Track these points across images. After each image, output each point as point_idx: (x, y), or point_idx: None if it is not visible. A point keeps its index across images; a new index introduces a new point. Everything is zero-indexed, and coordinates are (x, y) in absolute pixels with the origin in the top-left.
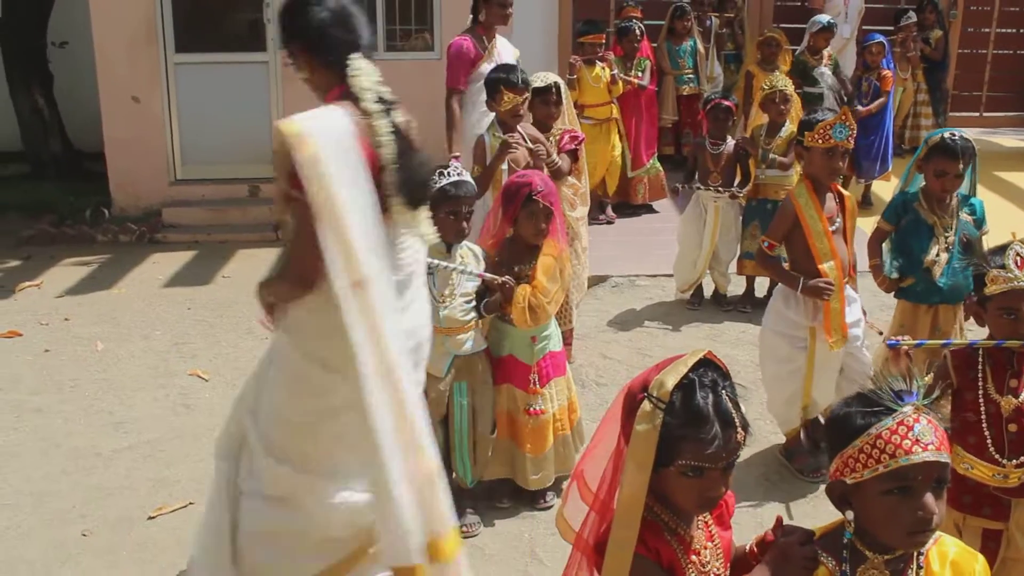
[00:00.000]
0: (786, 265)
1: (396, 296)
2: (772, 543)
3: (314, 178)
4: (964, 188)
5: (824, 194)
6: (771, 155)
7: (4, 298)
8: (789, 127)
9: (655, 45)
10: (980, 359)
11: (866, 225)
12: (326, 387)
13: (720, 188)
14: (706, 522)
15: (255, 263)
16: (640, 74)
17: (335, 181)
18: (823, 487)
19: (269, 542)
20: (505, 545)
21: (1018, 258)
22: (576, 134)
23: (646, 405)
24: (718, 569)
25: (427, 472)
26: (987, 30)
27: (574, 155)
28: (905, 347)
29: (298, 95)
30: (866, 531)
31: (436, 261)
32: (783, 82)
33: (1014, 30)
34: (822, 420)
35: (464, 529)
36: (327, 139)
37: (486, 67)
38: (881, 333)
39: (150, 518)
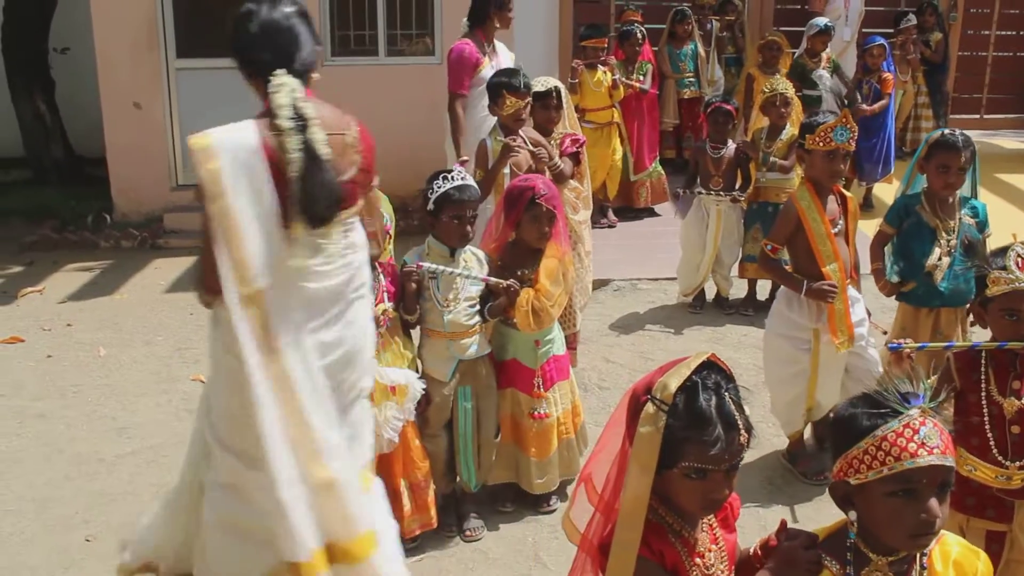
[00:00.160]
0: (788, 268)
1: (309, 307)
2: (776, 547)
3: (213, 192)
4: (966, 190)
5: (826, 197)
6: (772, 158)
7: (6, 304)
8: (790, 130)
9: (656, 49)
10: (983, 361)
11: (868, 228)
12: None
13: (721, 192)
14: (710, 525)
15: None
16: (642, 78)
17: (232, 195)
18: (827, 490)
19: (223, 532)
20: (509, 549)
21: (1019, 259)
22: (577, 137)
23: (649, 407)
24: (722, 572)
25: (323, 480)
26: (987, 32)
27: (576, 158)
28: (907, 350)
29: None
30: (869, 532)
31: (440, 266)
32: (783, 85)
33: (1014, 32)
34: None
35: (468, 533)
36: (232, 154)
37: (487, 71)
38: (885, 333)
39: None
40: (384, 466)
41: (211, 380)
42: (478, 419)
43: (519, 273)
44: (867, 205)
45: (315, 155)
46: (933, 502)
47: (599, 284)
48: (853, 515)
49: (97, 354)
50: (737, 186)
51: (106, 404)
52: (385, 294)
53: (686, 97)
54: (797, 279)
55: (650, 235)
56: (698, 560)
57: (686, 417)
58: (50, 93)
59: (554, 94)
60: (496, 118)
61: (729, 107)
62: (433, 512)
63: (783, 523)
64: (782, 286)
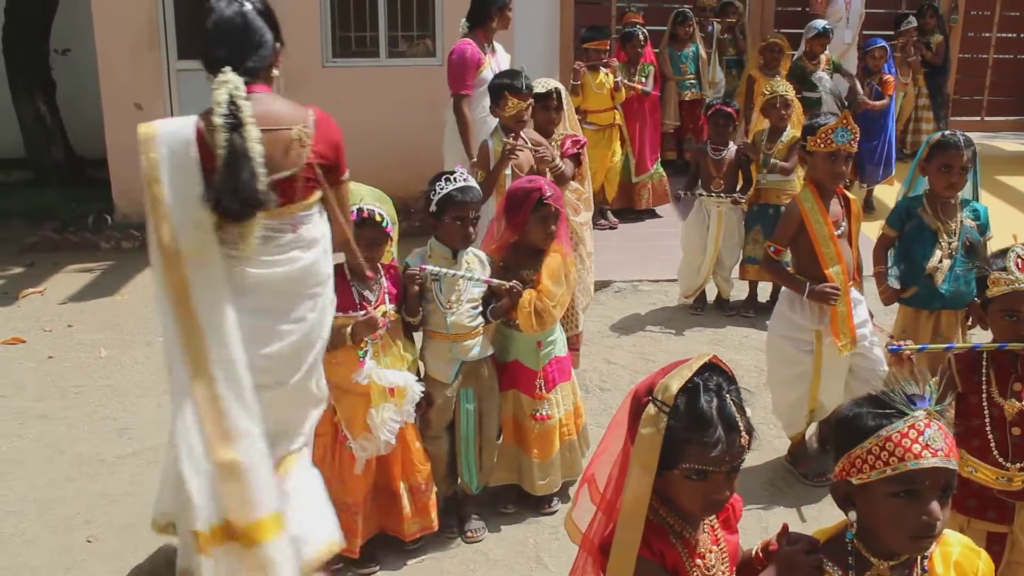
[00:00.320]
0: (791, 269)
1: (253, 295)
2: (776, 551)
3: (149, 178)
4: (967, 193)
5: (829, 198)
6: (772, 160)
7: (7, 305)
8: (790, 132)
9: (657, 51)
10: (984, 363)
11: (869, 230)
12: None
13: (722, 194)
14: (712, 526)
15: None
16: (644, 80)
17: (164, 183)
18: (829, 489)
19: (175, 487)
20: (510, 550)
21: (1019, 260)
22: (578, 138)
23: (650, 408)
24: (723, 573)
25: (227, 461)
26: (988, 35)
27: (577, 159)
28: (907, 352)
29: (301, 102)
30: (869, 533)
31: (443, 269)
32: (784, 87)
33: (1015, 35)
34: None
35: (469, 535)
36: (169, 145)
37: (487, 72)
38: (892, 337)
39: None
40: (383, 468)
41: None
42: (480, 421)
43: (521, 274)
44: (868, 207)
45: (239, 152)
46: (935, 505)
47: (600, 285)
48: (853, 515)
49: (98, 355)
50: (738, 188)
51: (107, 405)
52: (386, 296)
53: (687, 99)
54: (800, 281)
55: (651, 237)
56: (699, 561)
57: (687, 418)
58: (51, 94)
59: (554, 95)
60: (497, 119)
61: (730, 109)
62: (434, 515)
63: (784, 527)
64: (784, 288)
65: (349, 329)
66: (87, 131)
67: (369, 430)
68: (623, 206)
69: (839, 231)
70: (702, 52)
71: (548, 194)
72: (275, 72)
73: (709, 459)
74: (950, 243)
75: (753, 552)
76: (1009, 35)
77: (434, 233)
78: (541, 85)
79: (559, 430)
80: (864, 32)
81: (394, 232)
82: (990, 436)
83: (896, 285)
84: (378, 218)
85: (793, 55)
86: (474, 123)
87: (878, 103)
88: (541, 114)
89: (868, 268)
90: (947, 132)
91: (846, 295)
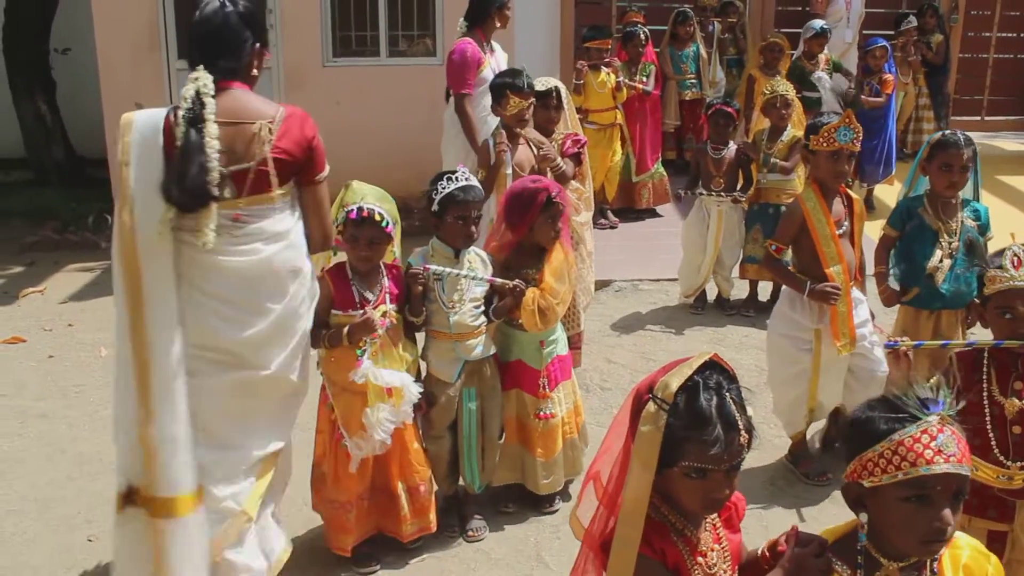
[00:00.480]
0: (792, 268)
1: (218, 282)
2: (784, 552)
3: (121, 160)
4: (968, 193)
5: (832, 198)
6: (773, 159)
7: (7, 304)
8: (791, 131)
9: (658, 50)
10: (985, 362)
11: (869, 229)
12: None
13: (722, 193)
14: (714, 524)
15: None
16: (645, 79)
17: (133, 167)
18: (831, 492)
19: None
20: (511, 549)
21: (1015, 258)
22: (578, 138)
23: (650, 406)
24: (725, 572)
25: (145, 436)
26: (988, 34)
27: (577, 159)
28: (904, 348)
29: (302, 101)
30: (880, 535)
31: (446, 269)
32: (784, 87)
33: (1015, 34)
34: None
35: (470, 534)
36: (141, 132)
37: (488, 72)
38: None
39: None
40: (381, 468)
41: None
42: (482, 420)
43: (524, 273)
44: (868, 206)
45: (193, 146)
46: (947, 511)
47: (601, 285)
48: (864, 517)
49: (99, 354)
50: (738, 187)
51: (108, 404)
52: (387, 296)
53: (687, 98)
54: (800, 280)
55: (651, 236)
56: (700, 559)
57: (686, 417)
58: (51, 94)
59: (554, 94)
60: (499, 118)
61: (730, 109)
62: (432, 517)
63: (795, 528)
64: (785, 286)
65: (346, 329)
66: (87, 131)
67: (365, 429)
68: (624, 205)
69: (841, 230)
70: (703, 52)
71: (555, 193)
72: (254, 72)
73: (708, 457)
74: (950, 243)
75: (759, 551)
76: (1009, 35)
77: (436, 232)
78: (541, 83)
79: (561, 428)
80: (864, 32)
81: (396, 232)
82: (991, 434)
83: (895, 286)
84: (377, 217)
85: (793, 55)
86: (478, 122)
87: (874, 99)
88: (541, 113)
89: (871, 268)
90: (947, 132)
91: (847, 295)
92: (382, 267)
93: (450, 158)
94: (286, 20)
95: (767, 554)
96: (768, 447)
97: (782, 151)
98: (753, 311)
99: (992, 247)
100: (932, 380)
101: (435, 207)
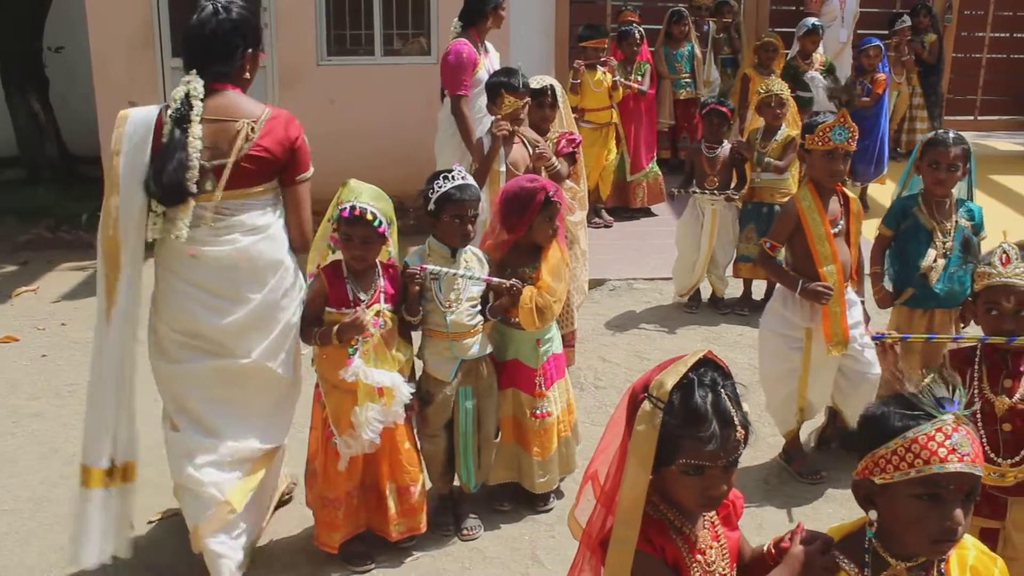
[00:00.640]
0: (786, 266)
1: (197, 271)
2: (789, 550)
3: (113, 150)
4: (963, 193)
5: (828, 197)
6: (767, 159)
7: (0, 303)
8: (785, 131)
9: (653, 49)
10: (977, 359)
11: (865, 229)
12: None
13: (716, 192)
14: (712, 522)
15: None
16: (640, 78)
17: (122, 157)
18: (825, 490)
19: None
20: (506, 548)
21: (1004, 255)
22: (573, 137)
23: (646, 405)
24: (724, 569)
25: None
26: (981, 34)
27: (572, 158)
28: (890, 341)
29: (296, 100)
30: (889, 534)
31: (443, 268)
32: (779, 86)
33: (1008, 34)
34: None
35: (465, 533)
36: (134, 126)
37: (483, 73)
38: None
39: (149, 522)
40: (370, 467)
41: None
42: (478, 419)
43: (520, 272)
44: (863, 206)
45: (175, 144)
46: (958, 511)
47: (595, 284)
48: (874, 515)
49: None
50: (732, 186)
51: None
52: (382, 295)
53: (682, 98)
54: (793, 278)
55: (646, 235)
56: (699, 557)
57: (682, 414)
58: (44, 92)
59: (549, 92)
60: (494, 117)
61: (724, 108)
62: (421, 518)
63: (800, 526)
64: (778, 284)
65: (336, 327)
66: (81, 129)
67: (354, 427)
68: (618, 204)
69: (836, 229)
70: (697, 51)
71: (552, 192)
72: (247, 75)
73: (705, 454)
74: (944, 243)
75: (765, 549)
76: (1002, 35)
77: (432, 232)
78: (536, 82)
79: (556, 427)
80: (859, 31)
81: (392, 232)
82: (982, 432)
83: (889, 287)
84: (370, 216)
85: (787, 54)
86: (474, 122)
87: (864, 99)
88: (535, 111)
89: (869, 269)
90: (940, 131)
91: (840, 295)
92: (378, 266)
93: (445, 158)
94: (280, 18)
95: (773, 551)
96: (762, 445)
97: (776, 150)
98: (747, 310)
99: (986, 247)
100: (928, 378)
101: (431, 206)
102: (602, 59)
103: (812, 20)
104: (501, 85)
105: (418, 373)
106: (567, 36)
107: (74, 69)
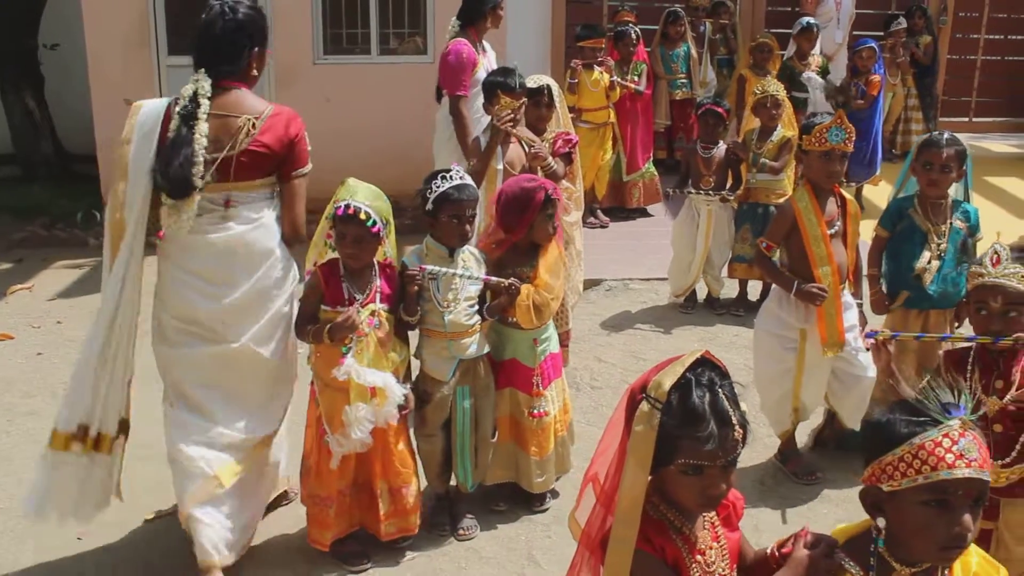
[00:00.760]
0: (782, 267)
1: (195, 255)
2: (792, 553)
3: (124, 138)
4: (959, 194)
5: (825, 198)
6: (762, 159)
7: None
8: (780, 131)
9: (649, 50)
10: (970, 361)
11: (862, 231)
12: None
13: (711, 192)
14: (712, 523)
15: None
16: (636, 78)
17: (132, 146)
18: (821, 491)
19: None
20: (502, 548)
21: (994, 256)
22: (570, 137)
23: (644, 405)
24: (723, 570)
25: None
26: (976, 36)
27: (568, 158)
28: (881, 338)
29: (292, 98)
30: (896, 540)
31: (443, 268)
32: (775, 87)
33: (1002, 36)
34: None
35: (461, 533)
36: (144, 117)
37: (482, 73)
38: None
39: (147, 521)
40: (363, 466)
41: None
42: (476, 418)
43: (518, 271)
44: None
45: (181, 140)
46: (967, 516)
47: (591, 284)
48: (882, 522)
49: None
50: (728, 186)
51: None
52: (378, 295)
53: (678, 98)
54: (788, 279)
55: (642, 235)
56: (699, 557)
57: (680, 414)
58: (39, 90)
59: (545, 92)
60: (490, 117)
61: (720, 109)
62: (414, 519)
63: (806, 529)
64: (774, 285)
65: (327, 327)
66: (76, 127)
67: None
68: (614, 205)
69: (833, 230)
70: (693, 52)
71: (551, 191)
72: (254, 72)
73: (703, 454)
74: (939, 244)
75: (769, 551)
76: (997, 37)
77: (430, 231)
78: (533, 81)
79: (553, 426)
80: (854, 32)
81: (386, 232)
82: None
83: (883, 287)
84: (363, 216)
85: (783, 55)
86: (472, 124)
87: (859, 103)
88: (532, 111)
89: (866, 271)
90: (935, 132)
91: (836, 297)
92: (375, 265)
93: (443, 158)
94: (277, 17)
95: (776, 553)
96: (758, 446)
97: (771, 151)
98: (743, 310)
99: (982, 248)
100: (927, 380)
101: (429, 206)
102: (599, 59)
103: (807, 19)
104: (497, 85)
105: (415, 373)
106: (563, 36)
107: (69, 67)
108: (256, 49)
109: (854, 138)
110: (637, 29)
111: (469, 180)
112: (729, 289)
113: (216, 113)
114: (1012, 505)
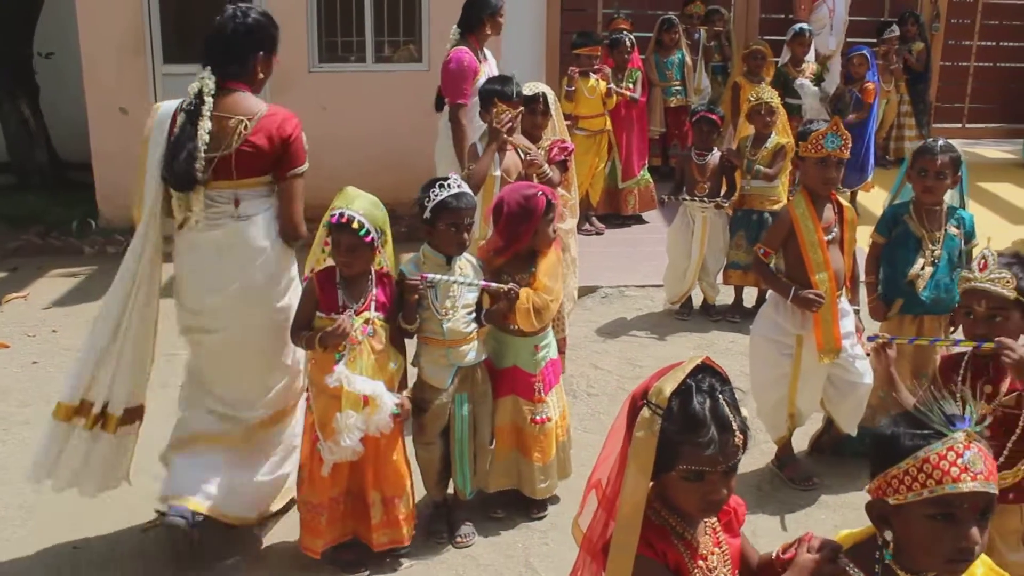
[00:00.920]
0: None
1: (202, 247)
2: (795, 559)
3: (144, 137)
4: (955, 201)
5: (822, 205)
6: (756, 166)
7: None
8: (775, 138)
9: (644, 57)
10: (963, 365)
11: (859, 237)
12: None
13: (706, 199)
14: (714, 528)
15: None
16: (631, 86)
17: (150, 144)
18: (818, 497)
19: None
20: (499, 555)
21: (982, 261)
22: (566, 145)
23: (645, 412)
24: (725, 575)
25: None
26: (968, 43)
27: (563, 166)
28: (880, 342)
29: (288, 106)
30: (903, 551)
31: (444, 276)
32: (769, 94)
33: (995, 43)
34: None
35: (459, 540)
36: (160, 116)
37: (483, 80)
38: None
39: (143, 530)
40: (356, 474)
41: None
42: (474, 425)
43: (516, 278)
44: None
45: (185, 136)
46: (974, 530)
47: (587, 291)
48: (889, 534)
49: None
50: (722, 193)
51: None
52: (373, 303)
53: (672, 105)
54: (786, 284)
55: (637, 242)
56: (700, 563)
57: (681, 420)
58: (34, 98)
59: (541, 100)
60: (487, 124)
61: (714, 116)
62: (405, 531)
63: (809, 535)
64: (771, 290)
65: (319, 334)
66: (71, 135)
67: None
68: (610, 212)
69: (829, 237)
70: (688, 59)
71: (549, 195)
72: (260, 75)
73: (704, 459)
74: (933, 251)
75: (774, 555)
76: (989, 43)
77: (427, 239)
78: (528, 89)
79: (555, 432)
80: (848, 39)
81: (381, 242)
82: None
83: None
84: (356, 225)
85: (777, 62)
86: (471, 133)
87: (855, 116)
88: (527, 118)
89: (864, 277)
90: (930, 139)
91: (832, 303)
92: (372, 274)
93: (444, 166)
94: None
95: (781, 557)
96: (755, 452)
97: (766, 158)
98: (739, 317)
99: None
100: (925, 385)
101: (427, 214)
102: (596, 67)
103: (800, 25)
104: (494, 93)
105: (412, 380)
106: (558, 43)
107: (64, 75)
108: (263, 53)
109: (850, 145)
110: (632, 36)
111: (467, 188)
112: (725, 296)
113: (217, 113)
114: (1003, 512)
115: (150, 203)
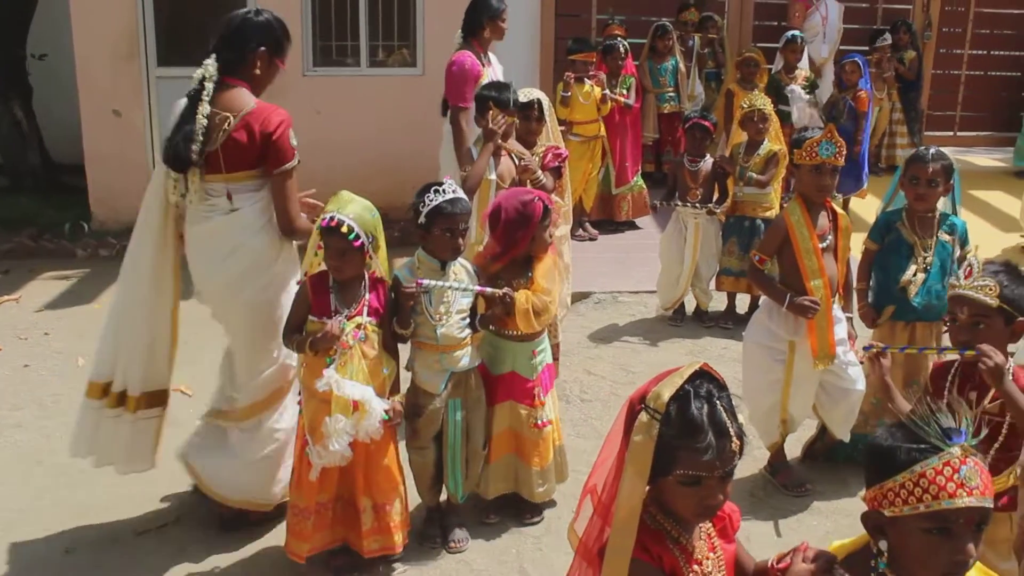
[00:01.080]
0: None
1: (202, 239)
2: (789, 568)
3: (166, 131)
4: (948, 208)
5: (817, 212)
6: (749, 173)
7: None
8: (767, 145)
9: (637, 63)
10: (953, 372)
11: (853, 245)
12: None
13: (698, 205)
14: (708, 533)
15: None
16: (625, 92)
17: (167, 131)
18: (811, 503)
19: None
20: (493, 560)
21: (968, 268)
22: (560, 151)
23: (643, 416)
24: None
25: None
26: (960, 51)
27: (557, 172)
28: (875, 351)
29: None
30: (898, 562)
31: (440, 282)
32: (762, 101)
33: (985, 52)
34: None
35: (452, 545)
36: (177, 107)
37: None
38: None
39: (137, 534)
40: (346, 480)
41: None
42: (467, 430)
43: (515, 283)
44: None
45: (185, 118)
46: (969, 544)
47: (580, 296)
48: (884, 545)
49: (76, 364)
50: (714, 200)
51: None
52: (365, 308)
53: (666, 112)
54: (781, 291)
55: (630, 248)
56: (696, 567)
57: (678, 425)
58: (27, 99)
59: (536, 106)
60: (481, 128)
61: (706, 123)
62: (397, 537)
63: (805, 545)
64: (764, 297)
65: (309, 339)
66: (64, 137)
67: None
68: (603, 217)
69: (824, 244)
70: (681, 66)
71: (545, 200)
72: (257, 71)
73: (701, 465)
74: (925, 258)
75: (769, 564)
76: (981, 52)
77: (422, 244)
78: (523, 95)
79: (552, 435)
80: (841, 47)
81: (374, 247)
82: None
83: (870, 298)
84: (345, 229)
85: (770, 69)
86: (470, 136)
87: (857, 132)
88: (522, 124)
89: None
90: (922, 147)
91: (827, 310)
92: (366, 278)
93: (447, 168)
94: None
95: (776, 567)
96: (748, 458)
97: (758, 165)
98: (731, 323)
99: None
100: (916, 392)
101: (422, 219)
102: (591, 73)
103: (792, 32)
104: (489, 98)
105: (405, 385)
106: (552, 49)
107: (58, 77)
108: (263, 49)
109: (845, 152)
110: (625, 43)
111: (462, 194)
112: (717, 302)
113: (213, 109)
114: (993, 520)
115: (155, 188)
